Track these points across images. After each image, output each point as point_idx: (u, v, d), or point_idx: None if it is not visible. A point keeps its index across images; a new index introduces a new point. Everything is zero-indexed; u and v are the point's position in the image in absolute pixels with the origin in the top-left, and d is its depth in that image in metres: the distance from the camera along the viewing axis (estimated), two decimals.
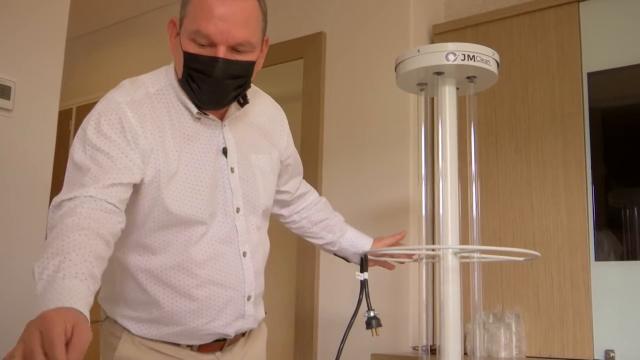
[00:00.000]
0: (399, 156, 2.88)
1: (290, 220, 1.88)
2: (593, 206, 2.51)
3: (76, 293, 1.11)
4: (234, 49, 1.38)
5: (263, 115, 1.64)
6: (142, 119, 1.41)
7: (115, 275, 1.50)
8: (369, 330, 1.72)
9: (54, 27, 2.59)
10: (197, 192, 1.44)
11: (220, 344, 1.54)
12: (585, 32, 2.63)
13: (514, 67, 2.77)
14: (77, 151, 1.40)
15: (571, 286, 2.50)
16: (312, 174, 3.09)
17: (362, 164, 2.98)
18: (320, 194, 3.03)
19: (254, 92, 1.64)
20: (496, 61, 1.77)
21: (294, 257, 3.11)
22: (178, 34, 1.44)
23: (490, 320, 2.56)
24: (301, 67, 3.22)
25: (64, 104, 2.81)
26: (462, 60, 1.70)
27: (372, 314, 1.74)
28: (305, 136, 3.15)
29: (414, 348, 2.65)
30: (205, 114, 1.47)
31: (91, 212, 1.27)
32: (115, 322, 1.52)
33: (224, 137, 1.50)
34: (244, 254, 1.51)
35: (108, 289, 1.55)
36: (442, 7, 3.23)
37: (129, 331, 1.50)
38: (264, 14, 1.47)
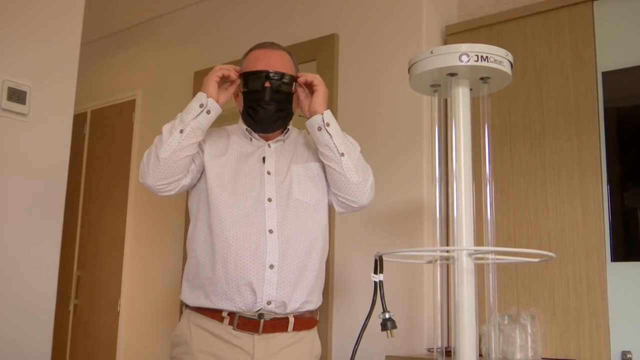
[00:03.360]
0: (413, 158, 2.88)
1: None
2: (609, 206, 2.49)
3: None
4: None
5: (311, 139, 2.07)
6: (212, 140, 2.01)
7: (188, 259, 1.97)
8: (384, 332, 1.72)
9: (68, 32, 2.61)
10: (236, 184, 1.93)
11: (256, 322, 1.82)
12: (600, 31, 2.62)
13: (528, 67, 2.76)
14: None
15: (587, 287, 2.49)
16: None
17: (375, 166, 2.96)
18: None
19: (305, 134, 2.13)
20: (510, 62, 1.77)
21: None
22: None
23: (506, 322, 2.55)
24: (314, 68, 3.22)
25: (78, 107, 2.83)
26: (475, 61, 1.69)
27: (387, 315, 1.73)
28: None
29: (429, 350, 2.64)
30: (253, 136, 2.01)
31: None
32: (185, 307, 1.95)
33: (265, 151, 1.99)
34: (270, 231, 1.88)
35: (184, 281, 1.97)
36: (455, 7, 3.22)
37: (188, 309, 1.92)
38: (295, 64, 2.02)
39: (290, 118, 2.02)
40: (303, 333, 1.92)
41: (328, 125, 1.91)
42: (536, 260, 1.84)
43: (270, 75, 1.91)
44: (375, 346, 2.60)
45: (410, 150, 2.89)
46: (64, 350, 4.20)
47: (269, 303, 1.83)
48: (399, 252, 1.85)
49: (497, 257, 1.84)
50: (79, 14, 2.66)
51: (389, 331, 1.72)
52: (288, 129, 2.05)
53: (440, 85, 1.86)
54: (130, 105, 4.21)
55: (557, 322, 2.53)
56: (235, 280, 1.83)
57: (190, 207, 2.02)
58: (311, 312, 1.96)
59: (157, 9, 4.15)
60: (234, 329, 1.83)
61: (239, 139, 2.04)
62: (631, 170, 2.49)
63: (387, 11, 3.08)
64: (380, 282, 1.77)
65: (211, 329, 1.86)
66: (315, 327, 2.00)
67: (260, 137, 2.02)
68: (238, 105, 2.03)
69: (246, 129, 2.01)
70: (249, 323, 1.83)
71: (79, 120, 4.08)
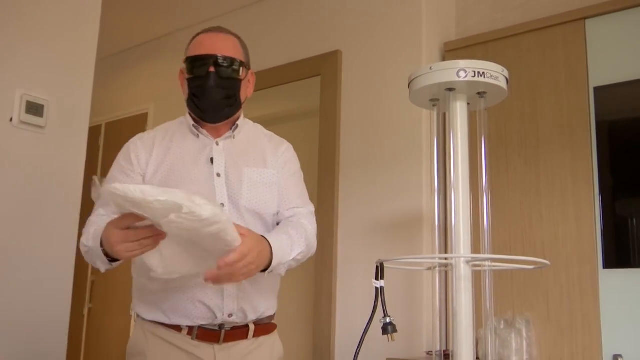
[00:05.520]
0: (413, 169, 2.91)
1: None
2: (601, 215, 2.54)
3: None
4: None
5: (266, 142, 1.93)
6: (152, 144, 1.82)
7: (135, 273, 1.81)
8: (385, 336, 1.74)
9: (84, 48, 2.66)
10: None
11: (217, 333, 1.72)
12: (592, 48, 2.68)
13: (522, 82, 2.82)
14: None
15: (580, 293, 2.53)
16: (329, 187, 3.14)
17: (377, 177, 3.02)
18: (337, 205, 3.12)
19: (264, 131, 1.97)
20: (505, 77, 1.81)
21: (312, 266, 3.14)
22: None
23: (502, 326, 2.58)
24: (318, 84, 3.27)
25: (93, 120, 2.89)
26: (472, 76, 1.72)
27: (388, 320, 1.75)
28: (323, 150, 3.20)
29: (428, 353, 2.67)
30: (200, 132, 1.83)
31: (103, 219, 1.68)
32: (137, 315, 1.80)
33: (213, 150, 1.81)
34: None
35: (136, 294, 1.82)
36: (453, 25, 3.27)
37: (142, 319, 1.77)
38: (245, 49, 1.85)
39: (239, 108, 1.84)
40: (262, 338, 1.82)
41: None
42: (531, 267, 1.88)
43: (216, 59, 1.74)
44: (377, 349, 2.60)
45: (410, 161, 2.93)
46: (79, 352, 4.23)
47: (230, 316, 1.72)
48: (399, 260, 1.90)
49: (494, 264, 1.89)
50: (95, 31, 2.70)
51: (389, 335, 1.74)
52: (237, 124, 1.87)
53: (439, 99, 1.90)
54: (142, 118, 4.28)
55: (551, 326, 2.57)
56: (194, 300, 1.70)
57: None
58: (270, 317, 1.86)
59: (168, 27, 4.24)
60: (192, 339, 1.72)
61: (184, 136, 1.85)
62: (622, 180, 2.54)
63: (389, 28, 3.13)
64: (382, 287, 1.79)
65: (169, 339, 1.73)
66: (275, 331, 1.89)
67: (209, 133, 1.84)
68: (184, 93, 1.85)
69: (193, 125, 1.83)
70: (209, 334, 1.72)
71: (94, 132, 4.11)
